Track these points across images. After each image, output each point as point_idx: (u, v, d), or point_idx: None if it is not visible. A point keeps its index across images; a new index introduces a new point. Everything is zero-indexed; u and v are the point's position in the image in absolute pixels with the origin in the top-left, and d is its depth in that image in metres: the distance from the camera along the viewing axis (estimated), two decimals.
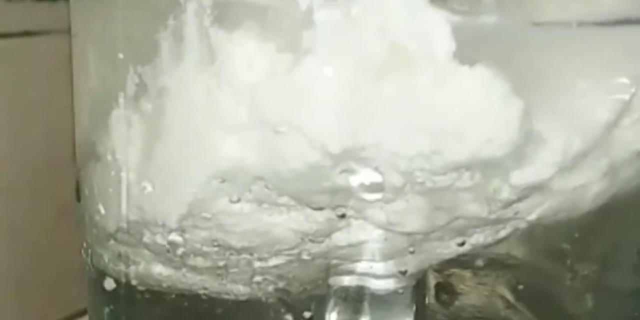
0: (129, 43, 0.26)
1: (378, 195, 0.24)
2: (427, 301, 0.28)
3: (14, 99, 0.47)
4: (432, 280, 0.28)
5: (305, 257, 0.26)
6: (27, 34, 0.47)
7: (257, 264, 0.26)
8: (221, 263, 0.26)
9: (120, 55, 0.25)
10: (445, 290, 0.29)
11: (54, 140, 0.48)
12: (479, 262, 0.28)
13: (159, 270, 0.27)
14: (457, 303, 0.29)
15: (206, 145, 0.24)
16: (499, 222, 0.26)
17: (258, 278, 0.27)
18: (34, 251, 0.49)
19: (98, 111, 0.27)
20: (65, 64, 0.32)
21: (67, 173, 0.45)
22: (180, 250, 0.26)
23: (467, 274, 0.29)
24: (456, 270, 0.28)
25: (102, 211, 0.27)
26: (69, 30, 0.29)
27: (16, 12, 0.46)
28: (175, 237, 0.26)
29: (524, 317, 0.29)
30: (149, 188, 0.25)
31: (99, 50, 0.27)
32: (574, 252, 0.28)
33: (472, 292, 0.29)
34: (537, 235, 0.27)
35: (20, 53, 0.47)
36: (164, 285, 0.28)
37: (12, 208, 0.47)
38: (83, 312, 0.50)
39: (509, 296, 0.29)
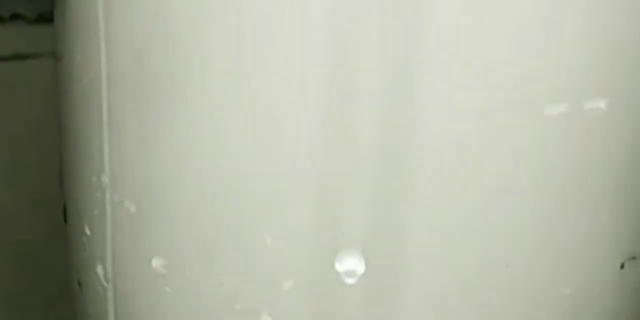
0: None
1: None
2: None
3: (6, 121, 0.46)
4: None
5: None
6: (20, 57, 0.47)
7: None
8: None
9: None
10: None
11: (46, 161, 0.48)
12: None
13: None
14: None
15: None
16: None
17: None
18: (31, 268, 0.49)
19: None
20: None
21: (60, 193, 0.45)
22: None
23: None
24: None
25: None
26: None
27: (9, 34, 0.46)
28: None
29: None
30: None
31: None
32: None
33: None
34: None
35: (13, 76, 0.47)
36: None
37: (7, 226, 0.47)
38: None
39: None
